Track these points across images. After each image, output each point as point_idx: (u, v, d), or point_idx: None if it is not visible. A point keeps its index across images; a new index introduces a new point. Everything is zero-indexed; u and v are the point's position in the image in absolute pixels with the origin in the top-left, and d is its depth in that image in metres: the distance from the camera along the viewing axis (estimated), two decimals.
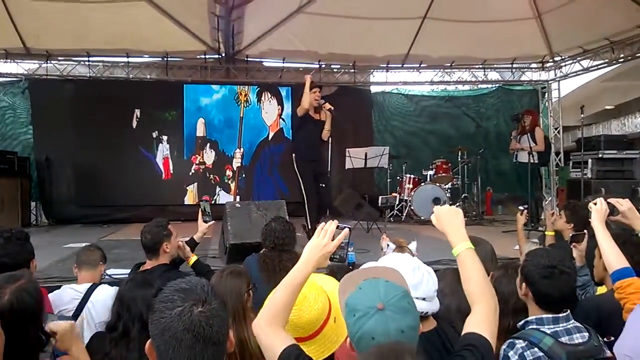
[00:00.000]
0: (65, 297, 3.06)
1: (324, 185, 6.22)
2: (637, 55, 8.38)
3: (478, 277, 1.67)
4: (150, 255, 3.33)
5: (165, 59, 9.38)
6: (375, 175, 10.19)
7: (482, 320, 1.58)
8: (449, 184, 9.18)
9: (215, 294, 1.31)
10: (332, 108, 6.00)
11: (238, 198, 9.67)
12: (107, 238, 7.42)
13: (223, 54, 9.47)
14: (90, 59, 9.28)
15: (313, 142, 6.13)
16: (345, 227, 1.76)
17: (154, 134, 9.67)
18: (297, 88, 10.02)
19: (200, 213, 3.82)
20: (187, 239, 3.82)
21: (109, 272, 3.99)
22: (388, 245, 3.12)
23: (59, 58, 9.24)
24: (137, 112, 9.57)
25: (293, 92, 10.07)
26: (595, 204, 2.32)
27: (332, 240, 1.69)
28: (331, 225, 1.72)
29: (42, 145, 9.20)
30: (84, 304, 2.98)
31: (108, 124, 9.29)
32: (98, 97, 9.25)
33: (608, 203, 2.37)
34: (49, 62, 9.15)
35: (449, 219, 1.79)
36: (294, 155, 6.22)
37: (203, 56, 9.53)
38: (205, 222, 3.77)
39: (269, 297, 1.70)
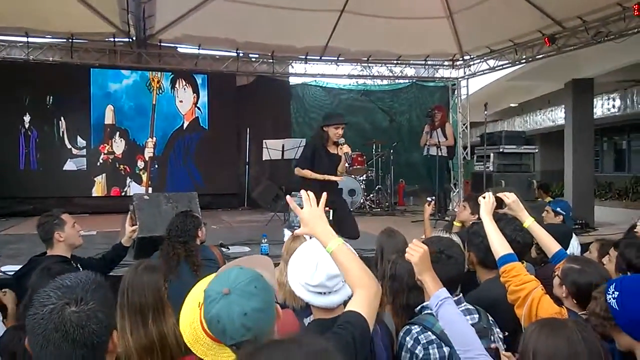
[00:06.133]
0: None
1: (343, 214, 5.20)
2: (537, 57, 9.01)
3: (356, 266, 1.70)
4: (46, 245, 3.25)
5: (70, 40, 8.76)
6: (293, 167, 10.20)
7: (361, 301, 1.64)
8: (364, 175, 9.42)
9: (95, 294, 1.25)
10: (349, 152, 5.33)
11: (150, 190, 9.28)
12: (4, 232, 6.92)
13: (134, 38, 8.99)
14: None
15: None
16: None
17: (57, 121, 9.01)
18: (213, 76, 9.81)
19: (129, 216, 3.81)
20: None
21: (3, 268, 3.69)
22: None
23: None
24: (40, 96, 8.89)
25: (209, 80, 9.81)
26: (484, 197, 2.48)
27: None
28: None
29: None
30: None
31: (5, 109, 8.56)
32: None
33: (496, 197, 2.55)
34: None
35: (316, 221, 1.77)
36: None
37: (112, 39, 9.00)
38: (132, 225, 3.74)
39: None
